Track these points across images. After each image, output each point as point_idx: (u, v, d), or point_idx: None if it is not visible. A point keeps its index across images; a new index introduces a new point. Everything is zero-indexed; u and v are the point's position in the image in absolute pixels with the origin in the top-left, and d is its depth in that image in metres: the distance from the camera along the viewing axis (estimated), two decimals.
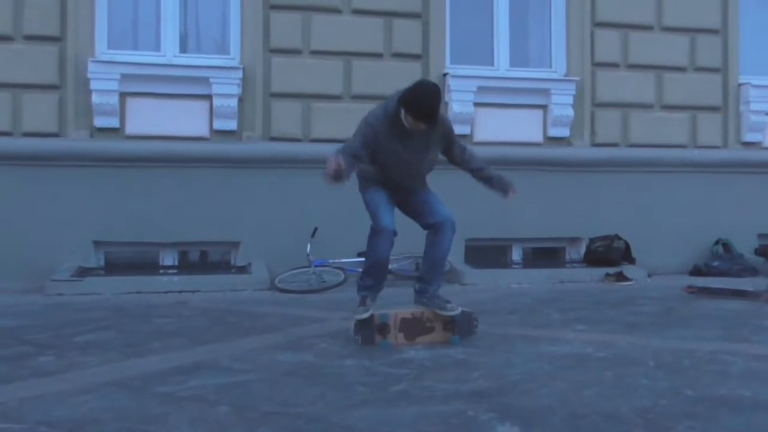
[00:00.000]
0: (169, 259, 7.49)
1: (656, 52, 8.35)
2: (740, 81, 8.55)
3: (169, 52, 7.50)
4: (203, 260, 7.86)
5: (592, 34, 8.24)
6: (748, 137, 8.56)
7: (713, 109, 8.53)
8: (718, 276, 7.66)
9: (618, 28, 8.29)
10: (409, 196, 4.38)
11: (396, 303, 4.60)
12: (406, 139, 4.09)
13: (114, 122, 7.19)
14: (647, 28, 8.36)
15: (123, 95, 7.21)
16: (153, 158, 7.27)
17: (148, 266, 7.41)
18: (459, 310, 4.28)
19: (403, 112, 3.99)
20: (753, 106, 8.47)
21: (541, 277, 7.35)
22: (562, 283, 7.22)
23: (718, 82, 8.54)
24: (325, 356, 3.83)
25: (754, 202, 8.41)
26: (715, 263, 7.96)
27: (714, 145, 8.51)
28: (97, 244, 7.25)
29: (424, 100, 3.95)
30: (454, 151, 4.37)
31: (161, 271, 7.25)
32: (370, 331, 4.20)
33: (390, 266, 7.10)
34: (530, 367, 3.49)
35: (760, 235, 8.35)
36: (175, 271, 7.27)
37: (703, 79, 8.49)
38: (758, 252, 8.21)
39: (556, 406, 2.80)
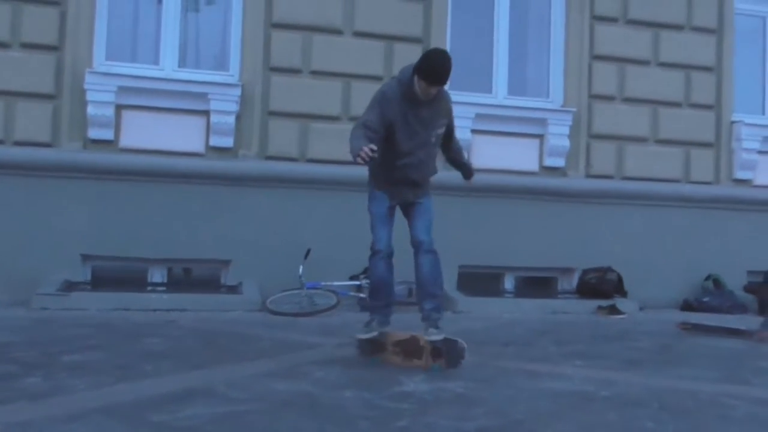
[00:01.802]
0: (157, 275, 7.36)
1: (652, 86, 8.42)
2: (733, 118, 8.62)
3: (168, 66, 7.44)
4: (191, 278, 7.74)
5: (589, 66, 8.29)
6: (740, 174, 8.62)
7: (706, 145, 8.59)
8: (708, 312, 7.67)
9: (615, 61, 8.35)
10: (408, 201, 4.51)
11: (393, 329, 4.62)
12: (417, 109, 4.26)
13: (108, 134, 7.10)
14: (644, 62, 8.44)
15: (119, 107, 7.14)
16: (146, 172, 7.18)
17: (136, 282, 7.28)
18: (441, 337, 4.31)
19: (416, 79, 4.16)
20: (745, 144, 8.54)
21: (533, 308, 7.32)
22: (555, 314, 7.19)
23: (712, 118, 8.62)
24: (323, 386, 3.75)
25: (744, 239, 8.45)
26: (706, 299, 7.97)
27: (706, 180, 8.56)
28: (85, 257, 7.12)
29: (438, 62, 4.14)
30: (450, 126, 4.56)
31: (149, 287, 7.13)
32: (369, 349, 4.51)
33: None
34: (533, 405, 3.43)
35: (750, 272, 8.39)
36: (164, 288, 7.16)
37: (697, 115, 8.56)
38: (747, 289, 8.24)
39: None
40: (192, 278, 7.64)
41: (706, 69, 8.57)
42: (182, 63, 7.58)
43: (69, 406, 3.18)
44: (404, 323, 4.66)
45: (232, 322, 6.01)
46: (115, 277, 7.39)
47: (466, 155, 4.93)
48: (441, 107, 4.39)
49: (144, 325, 5.62)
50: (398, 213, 4.61)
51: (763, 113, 8.89)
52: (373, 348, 4.56)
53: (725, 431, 3.10)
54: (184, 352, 4.60)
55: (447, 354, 4.30)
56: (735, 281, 8.25)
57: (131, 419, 3.03)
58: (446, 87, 7.72)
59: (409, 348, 4.46)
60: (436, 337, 4.28)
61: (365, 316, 6.11)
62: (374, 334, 4.50)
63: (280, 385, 3.74)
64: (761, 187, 8.64)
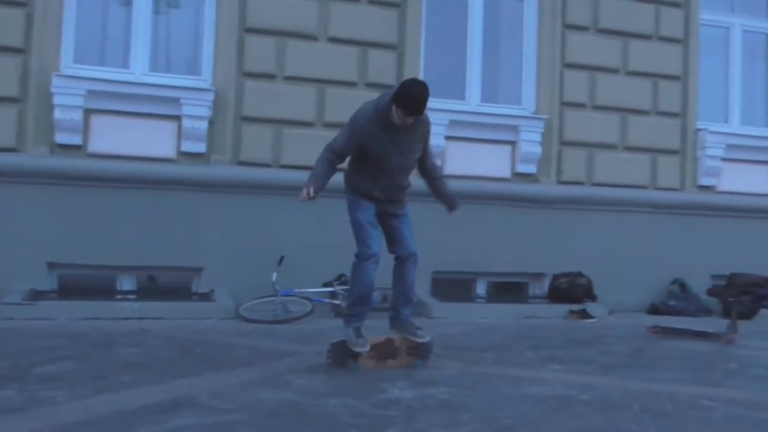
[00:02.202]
0: (127, 283, 7.24)
1: (621, 94, 8.55)
2: (698, 126, 8.80)
3: (139, 70, 7.32)
4: (162, 286, 7.61)
5: (561, 74, 8.39)
6: (704, 181, 8.80)
7: (672, 152, 8.76)
8: (674, 315, 7.82)
9: (586, 69, 8.46)
10: (389, 212, 4.56)
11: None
12: (394, 135, 4.32)
13: (76, 139, 6.96)
14: (613, 71, 8.56)
15: (87, 112, 7.00)
16: (116, 178, 7.05)
17: (105, 291, 7.14)
18: (428, 338, 4.59)
19: (394, 107, 4.22)
20: (709, 151, 8.73)
21: (506, 313, 7.37)
22: (528, 319, 7.25)
23: (678, 126, 8.79)
24: (307, 394, 3.72)
25: (708, 244, 8.62)
26: (672, 302, 8.12)
27: (672, 187, 8.73)
28: (51, 265, 6.96)
29: (416, 93, 4.20)
30: (426, 151, 4.59)
31: (119, 296, 7.00)
32: (342, 354, 4.44)
33: None
34: (519, 410, 3.45)
35: (713, 276, 8.57)
36: (134, 296, 7.03)
37: (664, 123, 8.72)
38: (711, 292, 8.42)
39: None
40: (162, 286, 7.51)
41: (673, 78, 8.74)
42: (153, 67, 7.46)
43: (50, 420, 3.11)
44: (372, 329, 4.63)
45: (206, 331, 5.94)
46: (83, 285, 7.24)
47: (439, 169, 4.86)
48: (418, 132, 4.41)
49: (116, 335, 5.51)
50: None
51: (726, 121, 9.08)
52: (344, 354, 4.47)
53: (707, 431, 3.15)
54: (161, 361, 4.53)
55: (425, 352, 4.59)
56: (699, 285, 8.42)
57: None
58: None
59: (384, 350, 4.57)
60: (425, 339, 4.54)
61: (340, 323, 6.23)
62: (368, 346, 4.42)
63: (264, 394, 3.70)
64: (724, 194, 8.83)
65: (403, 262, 4.57)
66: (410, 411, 3.42)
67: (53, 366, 4.26)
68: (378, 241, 4.44)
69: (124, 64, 7.39)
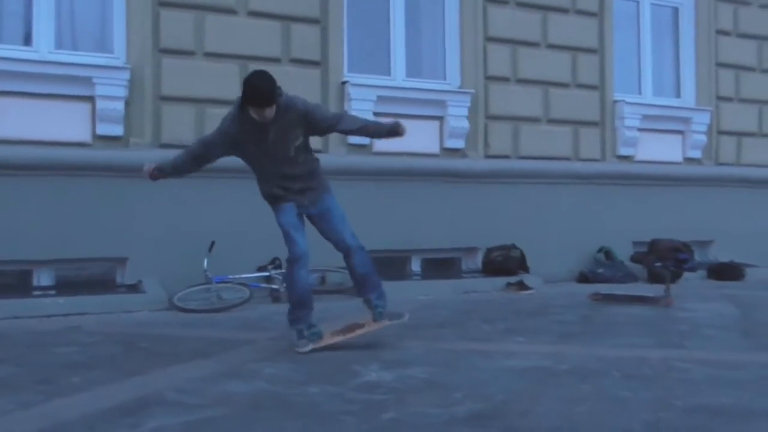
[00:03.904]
0: (45, 278, 6.71)
1: (542, 68, 8.64)
2: (615, 98, 9.03)
3: (43, 47, 6.75)
4: (83, 279, 7.11)
5: (484, 48, 8.38)
6: (623, 151, 9.06)
7: (592, 123, 8.95)
8: (602, 282, 8.00)
9: (508, 43, 8.49)
10: (312, 210, 4.47)
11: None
12: (262, 132, 4.22)
13: None
14: (534, 44, 8.64)
15: None
16: (25, 165, 6.47)
17: (20, 287, 6.60)
18: (406, 316, 4.70)
19: (247, 107, 4.13)
20: (627, 122, 8.98)
21: (445, 288, 7.34)
22: (467, 294, 7.25)
23: (597, 98, 8.98)
24: (280, 383, 3.52)
25: (629, 212, 8.90)
26: (600, 270, 8.33)
27: (594, 158, 8.93)
28: None
29: (256, 86, 4.09)
30: (321, 124, 4.43)
31: (37, 292, 6.47)
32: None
33: None
34: (506, 385, 3.38)
35: (635, 243, 8.87)
36: (54, 292, 6.52)
37: (584, 95, 8.89)
38: (634, 259, 8.69)
39: (566, 428, 2.70)
40: (83, 279, 7.01)
41: (590, 51, 8.91)
42: (59, 44, 6.89)
43: (8, 430, 2.77)
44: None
45: (143, 324, 5.58)
46: None
47: (352, 120, 4.72)
48: (289, 120, 4.25)
49: (44, 334, 5.08)
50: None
51: (640, 93, 9.37)
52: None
53: (697, 394, 3.18)
54: (107, 359, 4.18)
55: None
56: (622, 252, 8.68)
57: None
58: (345, 69, 7.83)
59: (349, 327, 4.58)
60: (402, 319, 4.62)
61: (280, 308, 6.20)
62: (311, 345, 4.34)
63: (232, 386, 3.47)
64: (642, 163, 9.12)
65: (346, 256, 4.53)
66: (397, 393, 3.28)
67: None
68: (301, 241, 4.34)
69: (26, 40, 6.79)
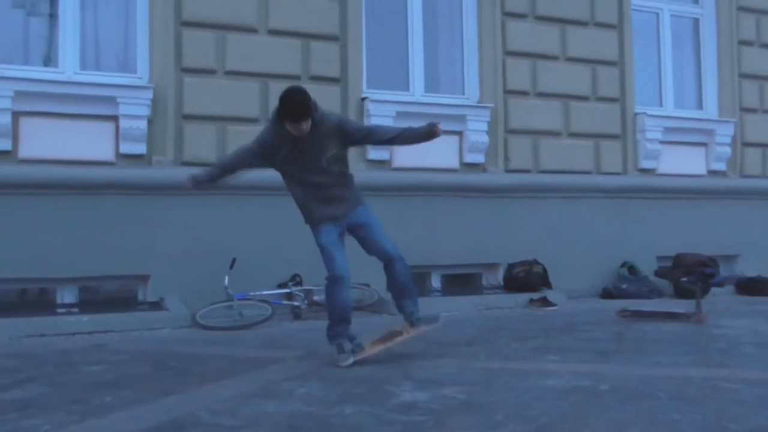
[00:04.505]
0: (68, 296, 6.70)
1: (562, 81, 8.60)
2: (636, 110, 8.97)
3: (69, 68, 6.79)
4: (105, 296, 7.10)
5: (503, 62, 8.35)
6: (645, 164, 8.99)
7: (613, 137, 8.89)
8: (627, 298, 7.90)
9: (527, 57, 8.46)
10: (349, 222, 4.57)
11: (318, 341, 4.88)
12: (296, 143, 4.34)
13: (6, 144, 6.38)
14: (553, 58, 8.60)
15: (16, 114, 6.43)
16: (50, 184, 6.50)
17: (44, 305, 6.59)
18: (439, 321, 4.91)
19: (284, 122, 4.27)
20: (648, 135, 8.92)
21: (466, 305, 7.27)
22: (489, 310, 7.17)
23: (617, 111, 8.93)
24: (315, 403, 3.46)
25: (652, 226, 8.81)
26: (624, 285, 8.23)
27: (615, 171, 8.86)
28: None
29: (291, 100, 4.26)
30: (355, 135, 4.59)
31: (61, 309, 6.47)
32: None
33: (315, 298, 6.89)
34: (548, 406, 3.31)
35: (659, 258, 8.77)
36: (77, 309, 6.51)
37: (604, 108, 8.84)
38: (658, 274, 8.60)
39: None
40: (106, 297, 7.00)
41: (610, 63, 8.87)
42: (83, 65, 6.93)
43: None
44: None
45: (167, 342, 5.55)
46: (17, 300, 6.66)
47: (386, 131, 4.85)
48: (322, 133, 4.38)
49: (71, 352, 5.06)
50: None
51: (661, 105, 9.31)
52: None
53: (753, 415, 3.11)
54: (136, 378, 4.15)
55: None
56: (646, 267, 8.59)
57: None
58: (364, 85, 7.82)
59: (388, 335, 4.69)
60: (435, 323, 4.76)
61: (302, 325, 6.27)
62: (352, 358, 4.44)
63: (268, 406, 3.43)
64: (664, 176, 9.04)
65: (387, 265, 4.64)
66: (436, 414, 3.22)
67: (20, 391, 3.83)
68: (341, 262, 4.45)
69: (53, 62, 6.84)
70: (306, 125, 4.25)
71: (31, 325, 5.83)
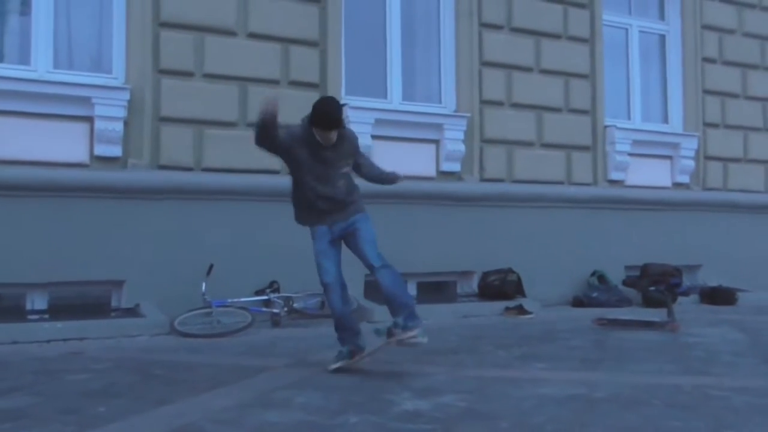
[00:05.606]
0: (39, 302, 6.51)
1: (535, 92, 8.72)
2: (606, 123, 9.15)
3: (42, 66, 6.62)
4: (76, 302, 6.91)
5: (479, 73, 8.43)
6: (614, 176, 9.17)
7: (584, 148, 9.05)
8: (597, 306, 8.04)
9: (502, 68, 8.56)
10: (343, 229, 4.62)
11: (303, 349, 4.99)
12: (321, 151, 4.48)
13: None
14: (528, 69, 8.72)
15: None
16: (21, 186, 6.31)
17: (13, 311, 6.39)
18: (426, 339, 4.55)
19: (314, 129, 4.42)
20: (617, 147, 9.10)
21: (443, 313, 7.28)
22: (466, 318, 7.22)
23: (588, 123, 9.09)
24: (317, 413, 3.44)
25: (621, 236, 8.98)
26: (594, 294, 8.36)
27: (586, 182, 9.01)
28: None
29: (326, 110, 4.42)
30: (359, 160, 4.84)
31: (33, 316, 6.28)
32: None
33: (294, 305, 6.84)
34: (550, 414, 3.35)
35: (627, 267, 8.95)
36: (48, 316, 6.33)
37: (576, 120, 8.99)
38: (626, 283, 8.77)
39: None
40: (77, 303, 6.81)
41: (582, 76, 9.03)
42: (56, 64, 6.76)
43: None
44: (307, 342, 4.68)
45: (148, 349, 5.44)
46: None
47: (377, 169, 5.12)
48: (344, 149, 4.58)
49: (49, 360, 4.93)
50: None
51: (629, 118, 9.52)
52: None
53: (748, 421, 3.19)
54: (126, 387, 4.06)
55: None
56: (615, 276, 8.75)
57: None
58: (342, 91, 7.81)
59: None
60: (422, 339, 4.49)
61: (282, 332, 6.36)
62: (343, 362, 4.51)
63: (269, 416, 3.39)
64: (632, 187, 9.24)
65: (374, 274, 4.65)
66: (442, 423, 3.23)
67: (6, 400, 3.70)
68: (330, 267, 4.59)
69: (24, 59, 6.66)
70: (334, 135, 4.42)
71: (2, 331, 5.65)
